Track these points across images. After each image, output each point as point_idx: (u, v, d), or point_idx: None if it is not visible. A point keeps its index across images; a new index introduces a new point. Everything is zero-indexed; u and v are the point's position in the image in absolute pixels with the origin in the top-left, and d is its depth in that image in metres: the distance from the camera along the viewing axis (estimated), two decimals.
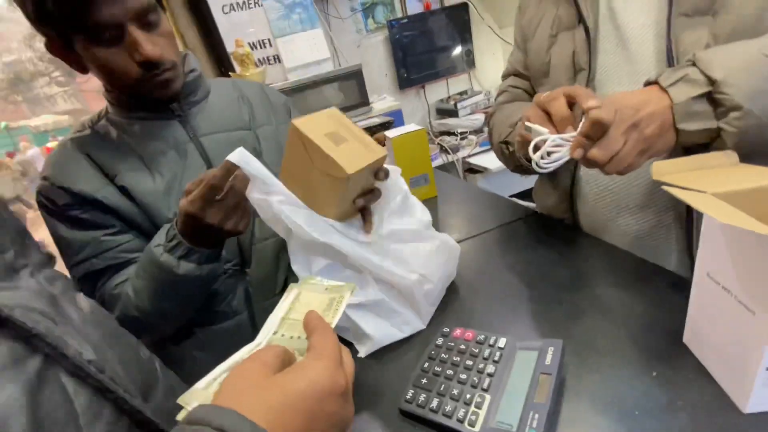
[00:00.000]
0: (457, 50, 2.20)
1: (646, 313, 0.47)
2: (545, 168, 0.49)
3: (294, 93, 1.38)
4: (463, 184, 1.08)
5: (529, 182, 1.78)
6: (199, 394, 0.28)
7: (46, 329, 0.26)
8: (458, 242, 0.72)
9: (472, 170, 1.82)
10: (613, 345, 0.44)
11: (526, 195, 0.87)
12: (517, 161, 0.65)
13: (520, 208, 0.80)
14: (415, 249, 0.54)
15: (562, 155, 0.48)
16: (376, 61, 2.09)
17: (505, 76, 0.82)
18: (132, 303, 0.59)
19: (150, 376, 0.34)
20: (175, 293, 0.58)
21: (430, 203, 0.95)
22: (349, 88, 1.46)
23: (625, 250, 0.59)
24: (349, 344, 0.53)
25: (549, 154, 0.49)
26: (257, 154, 0.71)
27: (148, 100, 0.63)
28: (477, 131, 1.97)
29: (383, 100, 1.63)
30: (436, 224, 0.86)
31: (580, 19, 0.60)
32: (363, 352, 0.52)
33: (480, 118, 1.98)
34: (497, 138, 0.72)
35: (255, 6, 1.38)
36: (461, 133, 1.96)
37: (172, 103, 0.65)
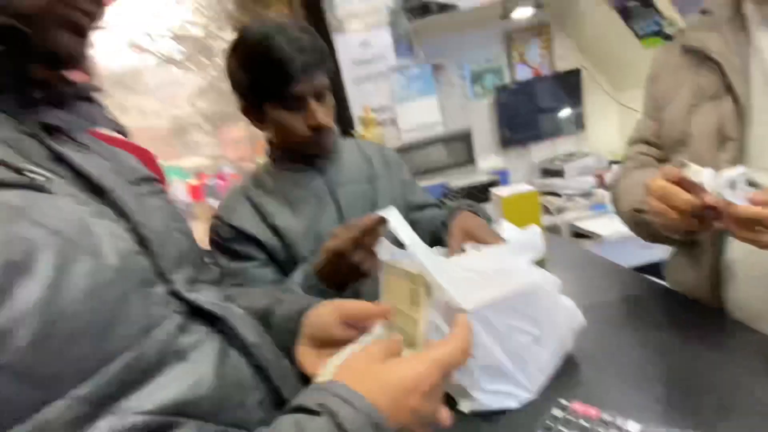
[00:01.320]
0: (566, 112, 2.18)
1: None
2: (737, 201, 0.45)
3: (407, 152, 1.51)
4: (576, 248, 1.04)
5: (651, 255, 1.60)
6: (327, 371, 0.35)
7: (224, 315, 0.35)
8: None
9: (579, 235, 1.72)
10: None
11: (647, 270, 0.80)
12: (654, 229, 0.61)
13: (646, 282, 0.74)
14: (534, 308, 0.53)
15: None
16: (480, 122, 2.19)
17: (632, 143, 0.80)
18: None
19: (285, 371, 0.41)
20: None
21: (538, 265, 0.93)
22: (457, 148, 1.55)
23: None
24: (449, 398, 0.52)
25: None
26: (375, 205, 0.82)
27: (301, 154, 0.78)
28: (586, 194, 1.88)
29: (488, 159, 1.68)
30: None
31: (727, 89, 0.58)
32: (466, 408, 0.51)
33: (589, 180, 1.89)
34: (628, 205, 0.69)
35: (381, 78, 1.59)
36: (568, 195, 1.88)
37: (317, 158, 0.79)
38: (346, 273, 0.60)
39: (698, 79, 0.62)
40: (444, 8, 1.77)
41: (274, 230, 0.75)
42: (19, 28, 0.28)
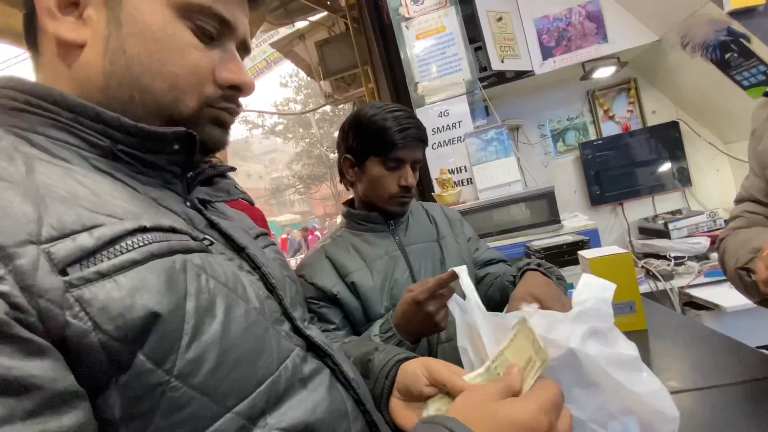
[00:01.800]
0: (666, 167, 2.01)
1: None
2: None
3: (483, 211, 1.52)
4: (683, 319, 0.91)
5: None
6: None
7: (332, 352, 0.40)
8: (678, 392, 0.60)
9: (693, 305, 1.49)
10: None
11: None
12: (764, 294, 0.57)
13: None
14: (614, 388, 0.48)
15: None
16: (564, 179, 2.11)
17: (738, 201, 0.77)
18: None
19: (377, 411, 0.44)
20: None
21: (638, 337, 0.84)
22: (539, 206, 1.51)
23: None
24: None
25: None
26: (442, 262, 0.86)
27: (377, 214, 0.85)
28: (699, 257, 1.64)
29: (575, 218, 1.60)
30: (648, 361, 0.73)
31: None
32: None
33: (702, 242, 1.66)
34: (733, 264, 0.66)
35: (458, 142, 1.67)
36: (676, 258, 1.67)
37: (391, 219, 0.86)
38: (421, 323, 0.63)
39: None
40: (520, 75, 1.84)
41: (352, 287, 0.81)
42: (188, 131, 0.36)
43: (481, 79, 1.74)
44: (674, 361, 0.74)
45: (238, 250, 0.40)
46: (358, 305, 0.80)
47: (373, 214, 0.86)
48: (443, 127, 1.70)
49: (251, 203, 0.52)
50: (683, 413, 0.57)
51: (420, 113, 1.67)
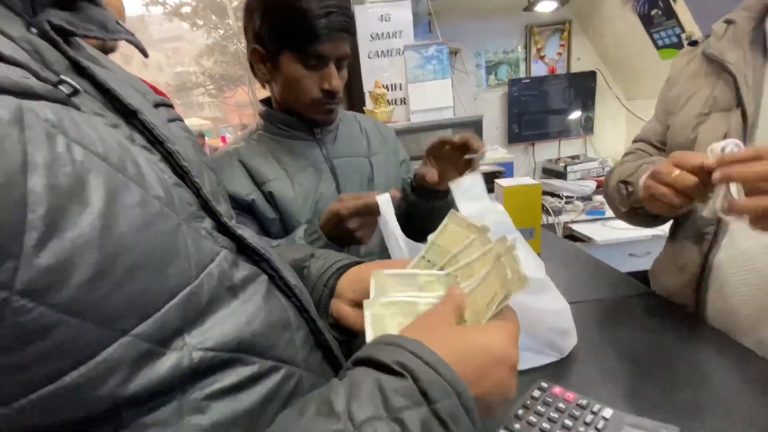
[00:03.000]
0: (576, 115, 2.18)
1: None
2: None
3: (414, 133, 1.50)
4: (570, 247, 1.06)
5: (639, 263, 1.65)
6: (372, 304, 0.34)
7: (269, 256, 0.33)
8: None
9: (572, 237, 1.74)
10: None
11: (635, 278, 0.82)
12: (633, 203, 0.68)
13: (633, 285, 0.76)
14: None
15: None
16: (489, 113, 2.18)
17: (635, 141, 0.82)
18: None
19: (319, 317, 0.40)
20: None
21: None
22: None
23: (764, 358, 0.53)
24: None
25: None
26: (370, 179, 0.83)
27: (300, 121, 0.76)
28: (585, 198, 1.89)
29: (495, 150, 1.68)
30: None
31: (738, 103, 0.59)
32: None
33: (590, 185, 1.90)
34: (616, 179, 0.73)
35: (397, 55, 1.56)
36: (567, 197, 1.90)
37: (317, 128, 0.78)
38: (341, 235, 0.65)
39: (714, 89, 0.63)
40: None
41: (269, 197, 0.73)
42: None
43: None
44: (562, 279, 0.86)
45: (127, 114, 0.28)
46: (275, 217, 0.74)
47: (296, 119, 0.76)
48: (383, 34, 1.56)
49: (144, 53, 0.35)
50: None
51: (358, 12, 1.49)
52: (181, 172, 0.29)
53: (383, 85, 1.52)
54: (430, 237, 0.38)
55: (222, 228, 0.31)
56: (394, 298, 0.34)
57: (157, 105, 0.35)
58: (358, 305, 0.41)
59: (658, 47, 1.72)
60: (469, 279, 0.35)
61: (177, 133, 0.33)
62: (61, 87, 0.23)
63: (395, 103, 1.62)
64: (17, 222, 0.18)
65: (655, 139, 0.77)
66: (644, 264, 1.68)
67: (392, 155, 0.89)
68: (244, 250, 0.32)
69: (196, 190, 0.30)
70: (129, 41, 0.32)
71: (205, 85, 17.42)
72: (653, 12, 1.61)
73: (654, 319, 0.64)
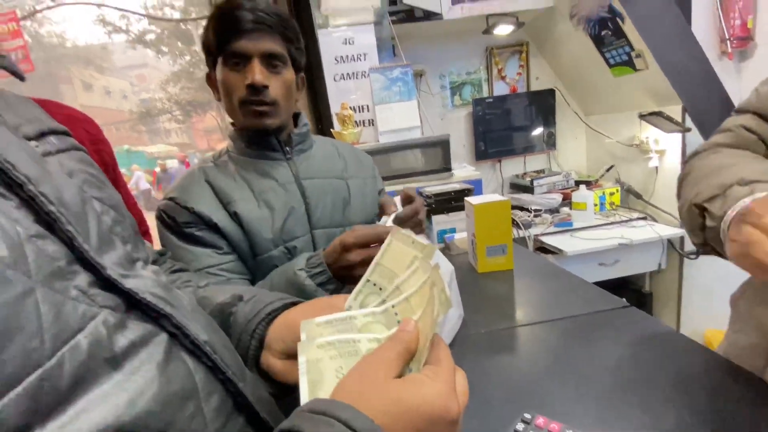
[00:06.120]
0: (538, 131, 2.26)
1: None
2: None
3: (383, 153, 1.50)
4: (542, 261, 1.06)
5: (608, 272, 1.68)
6: (308, 347, 0.29)
7: (171, 311, 0.29)
8: (537, 323, 0.69)
9: (543, 249, 1.77)
10: None
11: (602, 286, 0.82)
12: (710, 239, 0.49)
13: (608, 298, 0.75)
14: None
15: None
16: (456, 132, 2.22)
17: (739, 111, 0.60)
18: None
19: (241, 365, 0.35)
20: None
21: (505, 276, 0.94)
22: (434, 154, 1.55)
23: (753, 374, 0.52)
24: None
25: None
26: (346, 202, 0.80)
27: (269, 139, 0.74)
28: (552, 211, 1.94)
29: (463, 168, 1.70)
30: (512, 298, 0.84)
31: None
32: None
33: (557, 197, 1.96)
34: (692, 194, 0.52)
35: (362, 77, 1.57)
36: (535, 210, 1.94)
37: (288, 146, 0.76)
38: (340, 268, 0.60)
39: None
40: (429, 16, 1.79)
41: (235, 216, 0.71)
42: None
43: (390, 14, 1.63)
44: (535, 295, 0.85)
45: None
46: (242, 238, 0.71)
47: (265, 138, 0.74)
48: (347, 57, 1.57)
49: (21, 77, 0.30)
50: (539, 341, 0.67)
51: (322, 36, 1.50)
52: (49, 219, 0.25)
53: (350, 107, 1.51)
54: (375, 257, 0.35)
55: (105, 282, 0.26)
56: (331, 337, 0.31)
57: (43, 134, 0.31)
58: (291, 356, 0.37)
59: (610, 65, 1.82)
60: (409, 313, 0.32)
61: (55, 170, 0.28)
62: None
63: (363, 125, 1.62)
64: None
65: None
66: (613, 273, 1.75)
67: (370, 180, 0.87)
68: (135, 305, 0.27)
69: (68, 240, 0.25)
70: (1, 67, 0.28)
71: (171, 111, 17.09)
72: (603, 33, 1.71)
73: (632, 334, 0.63)
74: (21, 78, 0.31)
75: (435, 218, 1.41)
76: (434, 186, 1.46)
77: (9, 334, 0.20)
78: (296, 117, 0.81)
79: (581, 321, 0.69)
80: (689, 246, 1.70)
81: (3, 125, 0.27)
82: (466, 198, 1.10)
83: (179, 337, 0.29)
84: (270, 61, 0.69)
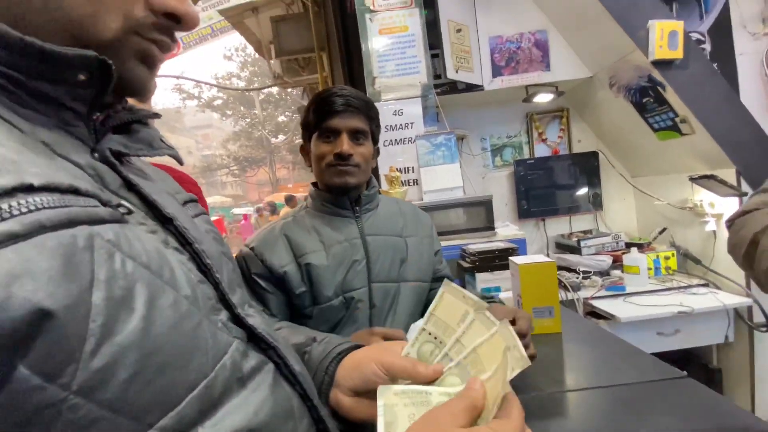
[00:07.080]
0: (583, 191, 2.25)
1: None
2: None
3: (428, 212, 1.57)
4: (592, 326, 1.03)
5: (668, 343, 1.57)
6: (386, 392, 0.35)
7: (277, 344, 0.35)
8: (587, 389, 0.68)
9: (594, 314, 1.69)
10: None
11: (662, 357, 0.79)
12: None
13: (664, 368, 0.72)
14: None
15: None
16: (498, 191, 2.27)
17: (760, 193, 0.69)
18: None
19: (321, 404, 0.40)
20: None
21: (554, 339, 0.93)
22: (477, 213, 1.60)
23: None
24: None
25: None
26: (403, 260, 0.87)
27: (342, 199, 0.85)
28: (602, 273, 1.87)
29: (506, 227, 1.73)
30: (561, 362, 0.82)
31: None
32: None
33: (606, 259, 1.89)
34: (759, 227, 0.60)
35: (408, 143, 1.71)
36: (584, 272, 1.88)
37: (345, 195, 0.85)
38: None
39: None
40: (471, 88, 1.94)
41: (305, 268, 0.80)
42: (101, 58, 0.27)
43: (435, 86, 1.79)
44: (583, 361, 0.83)
45: (164, 221, 0.31)
46: (305, 289, 0.80)
47: (340, 197, 0.86)
48: (396, 125, 1.72)
49: (180, 161, 0.40)
50: (589, 408, 0.65)
51: None
52: (205, 269, 0.32)
53: (397, 169, 1.63)
54: (429, 308, 0.39)
55: (236, 318, 0.33)
56: (407, 386, 0.35)
57: (185, 203, 0.40)
58: (357, 393, 0.41)
59: (654, 130, 1.83)
60: (478, 365, 0.35)
61: (202, 229, 0.37)
62: (119, 208, 0.27)
63: (408, 184, 1.72)
64: (82, 332, 0.21)
65: None
66: (673, 343, 1.61)
67: (427, 239, 0.94)
68: (253, 338, 0.34)
69: (215, 284, 0.32)
70: (170, 155, 0.37)
71: (229, 166, 18.74)
72: (645, 100, 1.76)
73: (690, 407, 0.61)
74: (180, 163, 0.42)
75: (479, 276, 1.43)
76: (478, 244, 1.49)
77: (193, 351, 0.27)
78: (368, 181, 0.92)
79: (634, 390, 0.67)
80: (758, 317, 1.55)
81: (171, 195, 0.36)
82: (510, 258, 1.12)
83: (281, 366, 0.35)
84: (355, 135, 0.83)
